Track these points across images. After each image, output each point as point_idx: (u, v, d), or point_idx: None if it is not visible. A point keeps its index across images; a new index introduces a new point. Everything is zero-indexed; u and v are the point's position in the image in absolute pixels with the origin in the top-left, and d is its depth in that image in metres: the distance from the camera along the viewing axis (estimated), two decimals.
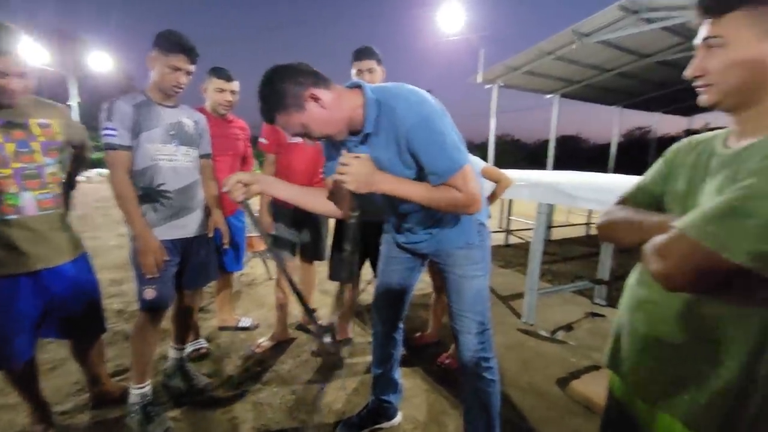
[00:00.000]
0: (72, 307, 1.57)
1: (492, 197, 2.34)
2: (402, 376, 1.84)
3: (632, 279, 0.92)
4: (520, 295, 3.29)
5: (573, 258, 4.74)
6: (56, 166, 1.49)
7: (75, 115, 17.19)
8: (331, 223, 2.34)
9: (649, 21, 6.75)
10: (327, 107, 1.13)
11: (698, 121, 17.00)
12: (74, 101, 16.82)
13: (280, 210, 2.28)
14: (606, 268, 3.20)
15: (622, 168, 9.85)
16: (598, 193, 2.58)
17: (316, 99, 1.12)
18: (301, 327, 2.67)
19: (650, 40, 7.56)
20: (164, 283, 1.68)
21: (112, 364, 2.13)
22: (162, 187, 1.65)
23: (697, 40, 0.74)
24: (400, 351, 1.71)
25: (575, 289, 3.34)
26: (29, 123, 1.40)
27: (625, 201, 0.93)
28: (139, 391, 1.73)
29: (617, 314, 0.96)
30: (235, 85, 2.22)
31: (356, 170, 1.12)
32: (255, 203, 2.26)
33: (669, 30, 6.92)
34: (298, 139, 2.18)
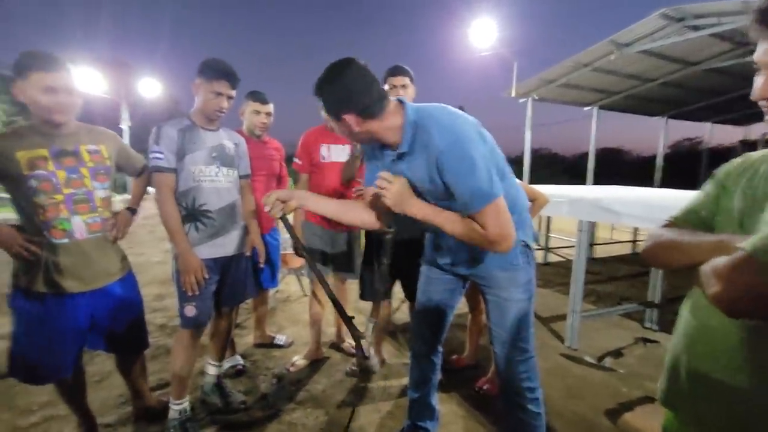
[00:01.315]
0: (116, 324, 1.63)
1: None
2: (438, 401, 1.77)
3: (687, 304, 0.85)
4: (561, 317, 3.11)
5: (619, 278, 4.46)
6: (106, 191, 1.56)
7: (126, 138, 18.57)
8: (363, 241, 2.34)
9: (696, 28, 6.42)
10: (354, 132, 1.18)
11: (755, 130, 15.84)
12: (125, 125, 18.16)
13: (312, 229, 2.31)
14: (657, 289, 2.98)
15: (669, 181, 9.30)
16: (644, 209, 2.42)
17: (348, 123, 1.15)
18: (334, 346, 2.66)
19: (697, 48, 7.19)
20: (204, 301, 1.72)
21: (155, 377, 2.19)
22: (204, 207, 1.72)
23: (761, 57, 0.68)
24: (438, 375, 1.65)
25: (623, 312, 3.13)
26: (80, 150, 1.48)
27: (674, 223, 0.87)
28: (178, 407, 1.77)
29: (672, 343, 0.88)
30: (270, 107, 2.29)
31: (395, 190, 1.15)
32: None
33: (718, 36, 6.55)
34: (330, 159, 2.25)
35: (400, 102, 1.21)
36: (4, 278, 1.51)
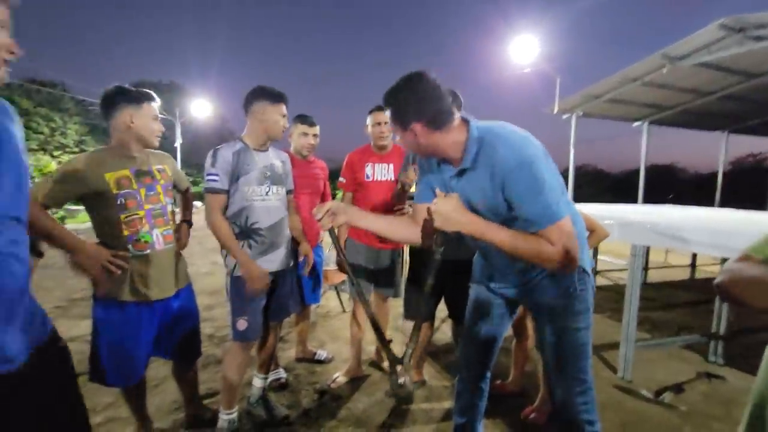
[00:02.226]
0: (178, 332, 1.74)
1: None
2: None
3: None
4: (612, 346, 2.94)
5: (676, 305, 4.15)
6: (172, 205, 1.73)
7: (178, 154, 19.96)
8: (408, 260, 2.35)
9: (759, 39, 6.00)
10: (421, 143, 1.19)
11: None
12: (178, 143, 19.54)
13: (355, 247, 2.36)
14: (722, 319, 2.74)
15: (731, 200, 8.60)
16: (708, 235, 2.25)
17: (415, 133, 1.17)
18: (374, 364, 2.66)
19: (761, 59, 6.68)
20: (254, 315, 1.79)
21: (204, 387, 2.29)
22: (255, 225, 1.81)
23: None
24: (485, 402, 1.60)
25: (683, 344, 2.90)
26: (152, 169, 1.65)
27: (751, 257, 0.80)
28: (227, 417, 1.83)
29: (755, 389, 0.81)
30: (317, 129, 2.40)
31: (444, 208, 1.14)
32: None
33: None
34: (375, 179, 2.31)
35: (464, 120, 1.22)
36: (72, 284, 1.66)
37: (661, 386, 2.39)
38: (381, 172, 2.32)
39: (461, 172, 1.21)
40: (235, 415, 1.85)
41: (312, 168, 2.47)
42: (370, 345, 2.81)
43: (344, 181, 2.41)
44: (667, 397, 2.26)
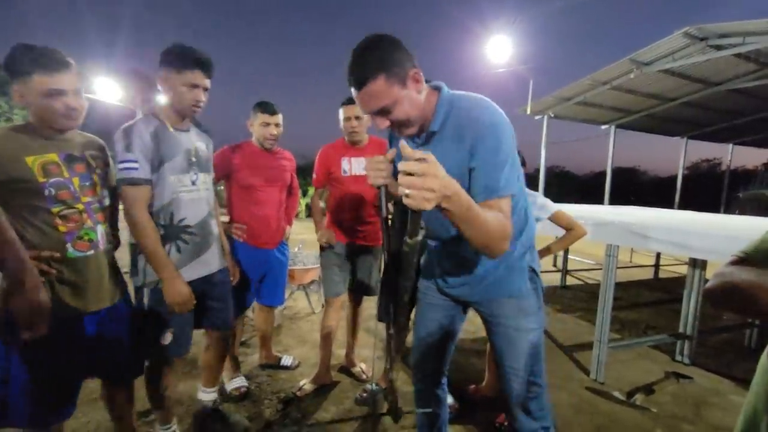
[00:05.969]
0: (113, 349, 1.40)
1: (558, 245, 2.16)
2: None
3: None
4: (584, 346, 2.94)
5: (642, 304, 4.24)
6: (108, 198, 1.41)
7: None
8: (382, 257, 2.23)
9: (719, 48, 6.28)
10: (420, 93, 1.04)
11: None
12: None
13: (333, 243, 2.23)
14: (688, 319, 2.78)
15: (687, 203, 9.03)
16: (681, 236, 2.26)
17: (416, 81, 1.01)
18: (344, 369, 2.52)
19: (720, 68, 7.03)
20: (183, 326, 1.53)
21: (141, 403, 2.07)
22: (183, 223, 1.50)
23: None
24: (447, 410, 1.51)
25: (652, 343, 2.93)
26: (86, 156, 1.32)
27: (746, 260, 0.74)
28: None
29: (748, 400, 0.75)
30: (279, 118, 2.19)
31: (436, 170, 0.75)
32: (306, 237, 2.20)
33: (742, 57, 6.41)
34: (353, 173, 2.17)
35: (436, 86, 1.11)
36: None
37: (631, 387, 2.39)
38: (359, 167, 2.18)
39: (429, 137, 1.09)
40: (176, 427, 1.66)
41: (277, 159, 2.28)
42: (340, 349, 2.66)
43: (314, 176, 2.28)
44: (639, 398, 2.25)
